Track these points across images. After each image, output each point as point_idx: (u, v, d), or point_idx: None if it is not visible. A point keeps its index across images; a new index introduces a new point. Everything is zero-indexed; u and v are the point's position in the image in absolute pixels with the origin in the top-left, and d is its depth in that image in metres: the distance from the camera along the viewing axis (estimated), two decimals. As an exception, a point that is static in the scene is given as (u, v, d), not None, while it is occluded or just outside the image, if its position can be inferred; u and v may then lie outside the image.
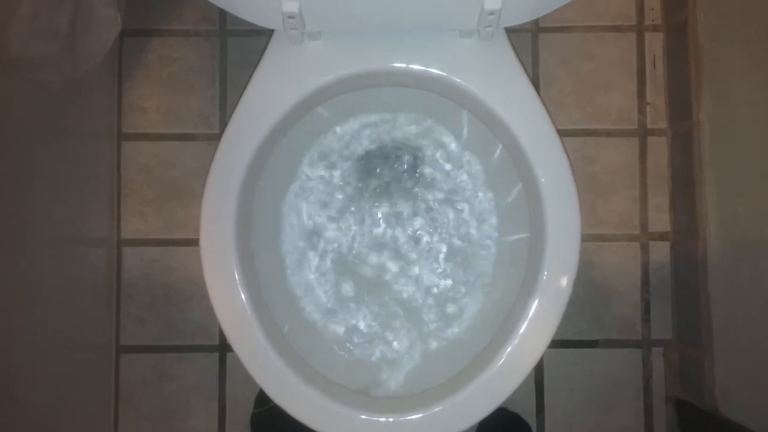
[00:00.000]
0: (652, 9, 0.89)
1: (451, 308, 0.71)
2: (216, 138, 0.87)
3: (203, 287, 0.60)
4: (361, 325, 0.70)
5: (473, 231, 0.71)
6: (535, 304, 0.59)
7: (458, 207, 0.72)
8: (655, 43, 0.89)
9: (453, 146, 0.72)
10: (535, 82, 0.89)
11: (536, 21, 0.89)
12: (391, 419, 0.58)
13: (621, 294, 0.87)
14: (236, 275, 0.59)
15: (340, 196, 0.72)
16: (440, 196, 0.72)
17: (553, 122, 0.61)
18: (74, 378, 0.77)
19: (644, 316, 0.87)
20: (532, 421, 0.86)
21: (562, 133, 0.87)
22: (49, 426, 0.71)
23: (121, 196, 0.88)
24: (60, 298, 0.73)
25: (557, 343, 0.86)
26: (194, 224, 0.73)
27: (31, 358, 0.67)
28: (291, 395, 0.59)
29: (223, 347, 0.87)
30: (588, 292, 0.87)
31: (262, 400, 0.83)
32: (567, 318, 0.60)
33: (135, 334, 0.87)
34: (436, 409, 0.58)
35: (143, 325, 0.87)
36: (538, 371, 0.87)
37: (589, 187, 0.88)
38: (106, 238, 0.86)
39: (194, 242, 0.60)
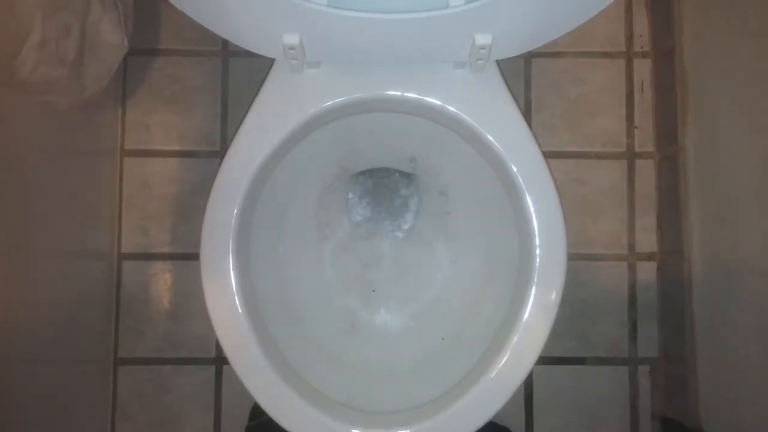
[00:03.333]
0: (641, 36, 0.92)
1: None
2: (217, 155, 0.90)
3: (201, 301, 0.61)
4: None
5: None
6: (524, 319, 0.61)
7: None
8: (644, 69, 0.91)
9: (443, 168, 0.75)
10: (528, 106, 0.91)
11: (529, 47, 0.91)
12: (382, 434, 0.60)
13: (609, 312, 0.89)
14: (235, 290, 0.61)
15: (341, 214, 0.75)
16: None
17: (540, 147, 0.63)
18: (73, 389, 0.78)
19: (631, 334, 0.89)
20: (521, 437, 0.87)
21: (554, 155, 0.90)
22: (48, 436, 0.72)
23: (122, 211, 0.89)
24: (61, 310, 0.74)
25: (546, 360, 0.87)
26: (194, 239, 0.74)
27: (30, 370, 0.68)
28: (286, 409, 0.60)
29: (220, 360, 0.88)
30: (576, 310, 0.88)
31: (257, 412, 0.84)
32: (556, 336, 0.61)
33: (133, 347, 0.88)
34: (427, 424, 0.60)
35: (142, 338, 0.88)
36: (528, 387, 0.88)
37: (579, 207, 0.90)
38: (107, 252, 0.88)
39: (193, 257, 0.61)
